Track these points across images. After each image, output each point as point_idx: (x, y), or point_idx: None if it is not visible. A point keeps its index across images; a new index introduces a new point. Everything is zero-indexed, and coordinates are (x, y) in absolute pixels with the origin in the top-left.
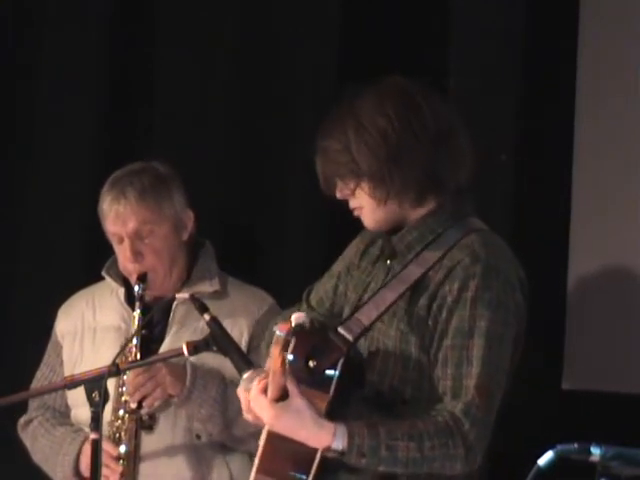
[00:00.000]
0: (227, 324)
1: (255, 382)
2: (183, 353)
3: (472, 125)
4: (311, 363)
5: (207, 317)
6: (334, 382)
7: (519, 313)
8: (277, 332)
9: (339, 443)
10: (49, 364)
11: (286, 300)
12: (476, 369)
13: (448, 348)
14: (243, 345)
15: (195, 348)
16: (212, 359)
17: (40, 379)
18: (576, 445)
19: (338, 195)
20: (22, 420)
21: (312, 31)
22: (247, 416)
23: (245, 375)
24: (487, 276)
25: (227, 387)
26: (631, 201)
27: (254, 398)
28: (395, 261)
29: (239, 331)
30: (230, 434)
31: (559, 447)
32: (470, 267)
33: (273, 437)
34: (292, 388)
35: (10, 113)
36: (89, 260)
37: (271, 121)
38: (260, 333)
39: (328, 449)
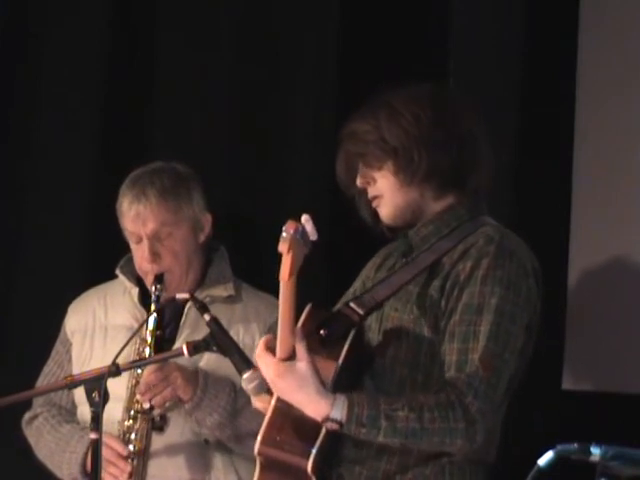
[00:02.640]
0: (240, 329)
1: (261, 340)
2: (183, 353)
3: None
4: (322, 332)
5: (207, 317)
6: (344, 352)
7: (531, 299)
8: (284, 232)
9: (338, 413)
10: (57, 360)
11: None
12: (482, 343)
13: (456, 323)
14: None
15: (195, 348)
16: (223, 365)
17: (47, 374)
18: (576, 445)
19: (358, 182)
20: (27, 416)
21: (312, 31)
22: (256, 404)
23: (245, 375)
24: (500, 256)
25: (237, 395)
26: (631, 200)
27: (260, 354)
28: (411, 256)
29: (251, 336)
30: (238, 438)
31: (559, 447)
32: (484, 247)
33: (280, 409)
34: (301, 351)
35: (10, 112)
36: (89, 260)
37: (271, 122)
38: None
39: (327, 419)
